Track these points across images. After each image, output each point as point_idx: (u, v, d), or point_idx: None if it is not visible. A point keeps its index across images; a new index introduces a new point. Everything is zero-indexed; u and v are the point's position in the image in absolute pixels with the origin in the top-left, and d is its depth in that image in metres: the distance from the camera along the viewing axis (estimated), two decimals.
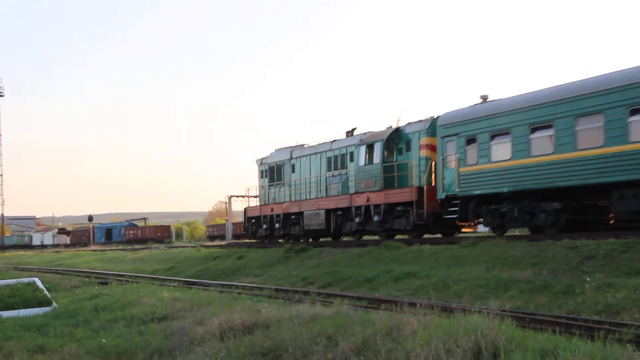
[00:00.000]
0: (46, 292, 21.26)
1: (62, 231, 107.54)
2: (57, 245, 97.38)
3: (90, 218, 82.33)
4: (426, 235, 26.08)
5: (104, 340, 12.97)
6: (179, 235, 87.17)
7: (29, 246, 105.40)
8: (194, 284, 23.81)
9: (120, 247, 68.63)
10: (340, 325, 9.86)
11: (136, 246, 65.24)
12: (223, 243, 38.34)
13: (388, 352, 8.34)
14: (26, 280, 22.50)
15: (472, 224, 24.43)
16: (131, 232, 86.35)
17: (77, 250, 67.24)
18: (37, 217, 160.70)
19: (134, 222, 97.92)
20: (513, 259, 17.31)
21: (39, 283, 22.08)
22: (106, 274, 33.21)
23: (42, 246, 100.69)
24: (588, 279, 14.19)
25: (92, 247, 72.74)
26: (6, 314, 17.77)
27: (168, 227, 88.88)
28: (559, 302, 13.42)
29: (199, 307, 15.02)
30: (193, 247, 41.73)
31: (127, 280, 26.55)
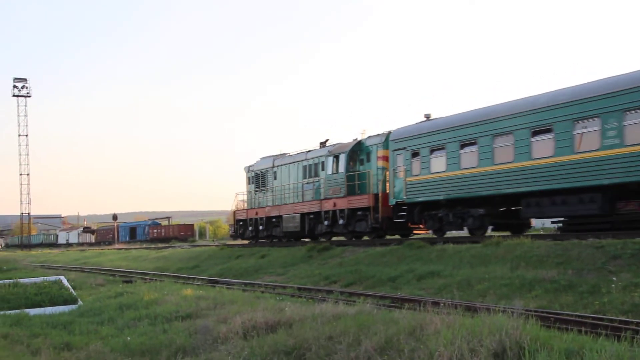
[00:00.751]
0: (72, 290, 21.51)
1: (87, 230, 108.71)
2: (82, 244, 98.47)
3: (114, 217, 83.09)
4: (402, 236, 28.74)
5: (128, 338, 13.07)
6: (202, 234, 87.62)
7: (54, 245, 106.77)
8: (217, 282, 23.92)
9: (144, 245, 69.18)
10: (363, 324, 9.84)
11: (160, 245, 65.75)
12: (246, 242, 38.44)
13: (411, 352, 8.30)
14: (52, 278, 22.79)
15: (422, 226, 27.11)
16: (155, 230, 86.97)
17: (102, 249, 67.93)
18: (62, 216, 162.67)
19: (158, 221, 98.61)
20: (537, 258, 17.16)
21: (64, 281, 22.35)
22: (130, 272, 33.50)
23: (68, 245, 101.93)
24: (614, 278, 14.03)
25: (117, 246, 73.43)
26: (33, 311, 18.00)
27: (191, 225, 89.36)
28: (584, 301, 13.28)
29: (222, 306, 15.09)
30: (216, 245, 41.87)
31: (151, 279, 26.75)
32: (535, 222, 26.60)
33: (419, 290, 17.36)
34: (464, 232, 25.98)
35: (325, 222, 31.19)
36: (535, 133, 20.94)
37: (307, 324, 10.76)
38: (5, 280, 21.92)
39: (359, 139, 30.54)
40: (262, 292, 19.41)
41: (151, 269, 34.31)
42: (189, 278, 26.75)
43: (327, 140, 33.64)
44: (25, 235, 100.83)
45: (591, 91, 19.41)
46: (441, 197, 24.38)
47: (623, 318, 11.21)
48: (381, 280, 19.58)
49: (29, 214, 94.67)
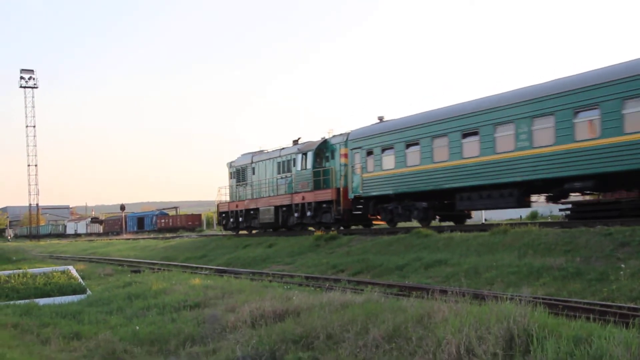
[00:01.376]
0: (80, 280, 21.62)
1: (95, 220, 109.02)
2: (90, 234, 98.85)
3: (122, 207, 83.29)
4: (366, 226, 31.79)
5: (137, 328, 13.14)
6: (209, 224, 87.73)
7: (63, 235, 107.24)
8: (225, 271, 24.00)
9: (152, 235, 69.33)
10: (371, 313, 9.86)
11: (168, 235, 65.84)
12: (254, 231, 38.79)
13: (419, 340, 8.32)
14: (61, 268, 22.92)
15: (379, 217, 29.66)
16: (163, 220, 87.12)
17: (110, 239, 68.19)
18: (70, 206, 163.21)
19: (166, 211, 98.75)
20: (545, 245, 17.13)
21: (73, 271, 22.47)
22: (138, 262, 33.63)
23: (76, 235, 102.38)
24: (623, 265, 13.99)
25: (125, 236, 73.63)
26: (42, 301, 18.11)
27: (199, 215, 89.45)
28: (592, 289, 13.25)
29: (230, 295, 15.13)
30: (224, 235, 41.97)
31: (160, 269, 26.84)
32: (542, 211, 27.17)
33: (427, 278, 17.37)
34: (414, 223, 28.04)
35: (296, 214, 33.77)
36: (465, 135, 23.54)
37: (315, 312, 10.79)
38: (15, 271, 22.07)
39: (326, 137, 33.16)
40: (270, 281, 19.46)
41: (159, 259, 34.45)
42: (197, 267, 26.84)
43: (299, 139, 36.37)
44: (34, 225, 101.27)
45: (508, 99, 22.01)
46: (390, 192, 27.26)
47: (632, 305, 11.19)
48: (389, 268, 19.59)
49: (37, 204, 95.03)
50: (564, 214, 22.18)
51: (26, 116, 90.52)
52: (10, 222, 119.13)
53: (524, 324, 7.65)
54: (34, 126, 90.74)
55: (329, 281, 18.23)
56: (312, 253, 25.79)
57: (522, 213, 38.38)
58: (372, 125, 29.63)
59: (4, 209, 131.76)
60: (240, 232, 40.73)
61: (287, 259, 25.91)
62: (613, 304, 11.58)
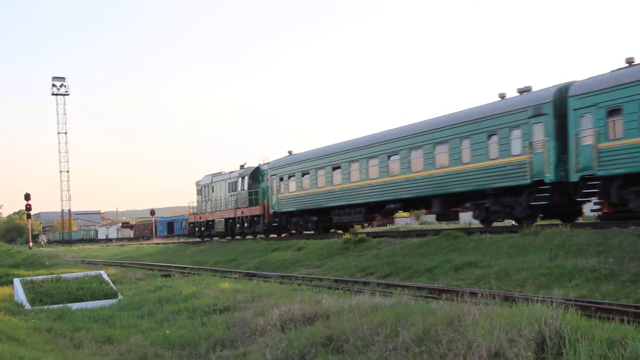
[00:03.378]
0: (112, 284, 21.84)
1: (125, 225, 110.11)
2: (121, 239, 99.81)
3: (152, 212, 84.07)
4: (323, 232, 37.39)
5: (168, 332, 13.25)
6: None
7: (94, 240, 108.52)
8: (254, 275, 24.08)
9: (182, 239, 69.81)
10: (400, 316, 9.81)
11: (197, 239, 66.20)
12: (283, 235, 39.53)
13: (449, 342, 8.26)
14: (93, 273, 23.16)
15: (289, 227, 39.46)
16: None
17: (141, 244, 68.82)
18: (101, 211, 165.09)
19: None
20: (577, 247, 16.91)
21: (105, 276, 22.69)
22: (169, 266, 33.90)
23: (107, 240, 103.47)
24: None
25: (155, 240, 74.25)
26: (75, 305, 18.35)
27: None
28: (626, 290, 13.05)
29: (259, 299, 15.17)
30: (253, 239, 42.17)
31: (190, 273, 27.03)
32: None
33: (457, 280, 17.24)
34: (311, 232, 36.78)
35: (238, 225, 43.24)
36: (334, 168, 33.33)
37: (344, 315, 10.76)
38: (49, 276, 22.36)
39: (259, 165, 43.10)
40: (299, 284, 19.47)
41: (189, 263, 34.72)
42: (226, 271, 26.96)
43: (245, 164, 45.52)
44: (66, 231, 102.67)
45: (356, 144, 31.99)
46: (294, 209, 37.08)
47: None
48: (418, 271, 19.49)
49: (69, 210, 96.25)
50: (595, 215, 21.83)
51: (58, 123, 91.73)
52: (43, 227, 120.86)
53: (556, 327, 7.55)
54: (66, 133, 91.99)
55: (358, 284, 18.19)
56: (340, 256, 25.76)
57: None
58: (284, 157, 39.53)
59: (38, 215, 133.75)
60: (205, 239, 49.86)
61: (316, 262, 25.91)
62: None
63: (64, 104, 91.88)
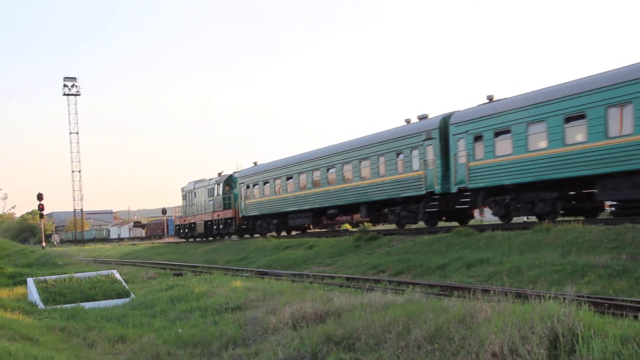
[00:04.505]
0: (124, 283, 21.94)
1: (137, 224, 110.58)
2: (133, 238, 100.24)
3: (164, 211, 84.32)
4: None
5: (180, 330, 13.29)
6: None
7: (106, 239, 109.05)
8: (266, 273, 24.11)
9: (197, 239, 69.92)
10: (412, 313, 9.79)
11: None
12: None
13: (461, 340, 8.24)
14: (105, 272, 23.29)
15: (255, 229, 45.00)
16: None
17: (152, 243, 69.06)
18: (113, 211, 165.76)
19: None
20: (590, 243, 16.82)
21: (117, 275, 22.81)
22: (180, 265, 34.02)
23: (119, 239, 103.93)
24: None
25: (167, 239, 74.46)
26: (88, 305, 18.44)
27: None
28: None
29: (271, 297, 15.19)
30: (264, 237, 42.25)
31: (201, 271, 27.11)
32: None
33: (468, 278, 17.20)
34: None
35: (215, 227, 48.94)
36: (288, 178, 38.80)
37: (356, 313, 10.77)
38: (61, 275, 22.49)
39: (232, 173, 48.32)
40: (311, 282, 19.48)
41: (200, 262, 34.80)
42: (237, 270, 27.03)
43: (222, 172, 50.42)
44: (78, 230, 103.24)
45: (304, 157, 37.50)
46: (258, 213, 42.90)
47: None
48: (430, 268, 19.46)
49: (81, 210, 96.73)
50: (609, 211, 21.73)
51: (69, 123, 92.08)
52: (56, 227, 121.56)
53: (569, 323, 7.51)
54: (77, 133, 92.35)
55: (369, 282, 18.17)
56: (352, 254, 25.75)
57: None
58: (250, 167, 45.38)
59: (50, 215, 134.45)
60: (189, 239, 55.26)
61: (328, 260, 25.91)
62: None
63: (76, 104, 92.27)
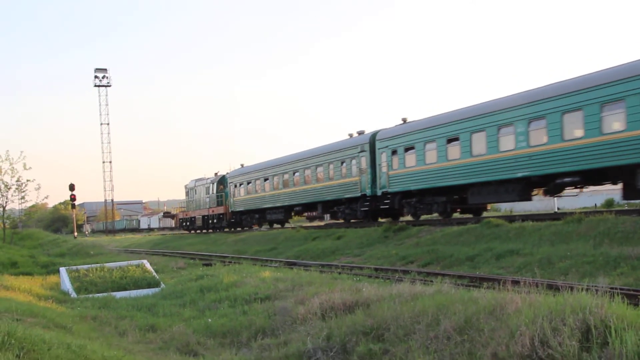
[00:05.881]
0: (154, 273, 22.14)
1: (167, 215, 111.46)
2: (162, 228, 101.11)
3: None
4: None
5: (209, 320, 13.38)
6: None
7: (137, 229, 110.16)
8: (294, 264, 24.18)
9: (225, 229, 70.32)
10: (441, 304, 9.74)
11: (238, 228, 66.76)
12: (322, 224, 39.87)
13: (491, 331, 8.17)
14: (136, 262, 23.51)
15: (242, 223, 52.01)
16: None
17: (182, 233, 69.65)
18: (143, 201, 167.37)
19: None
20: (623, 234, 16.58)
21: (147, 265, 23.01)
22: (210, 255, 34.27)
23: (149, 229, 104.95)
24: None
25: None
26: (119, 294, 18.65)
27: None
28: None
29: (300, 287, 15.22)
30: (292, 228, 42.37)
31: (230, 262, 27.26)
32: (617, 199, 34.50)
33: (498, 269, 17.08)
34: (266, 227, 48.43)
35: (210, 221, 55.91)
36: (265, 179, 46.44)
37: (384, 304, 10.74)
38: (93, 265, 22.77)
39: (225, 173, 54.62)
40: (339, 273, 19.49)
41: (230, 252, 35.01)
42: (266, 260, 27.14)
43: (218, 172, 57.45)
44: (109, 221, 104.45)
45: (283, 160, 44.32)
46: (243, 209, 50.11)
47: None
48: (459, 259, 19.35)
49: (112, 200, 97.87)
50: (625, 203, 21.44)
51: (100, 114, 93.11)
52: (87, 217, 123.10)
53: (601, 315, 7.40)
54: (108, 123, 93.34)
55: (398, 273, 18.14)
56: (380, 244, 25.72)
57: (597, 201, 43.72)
58: (237, 169, 53.15)
59: (82, 205, 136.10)
60: (192, 231, 61.57)
61: (356, 251, 25.91)
62: None
63: (106, 95, 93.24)
